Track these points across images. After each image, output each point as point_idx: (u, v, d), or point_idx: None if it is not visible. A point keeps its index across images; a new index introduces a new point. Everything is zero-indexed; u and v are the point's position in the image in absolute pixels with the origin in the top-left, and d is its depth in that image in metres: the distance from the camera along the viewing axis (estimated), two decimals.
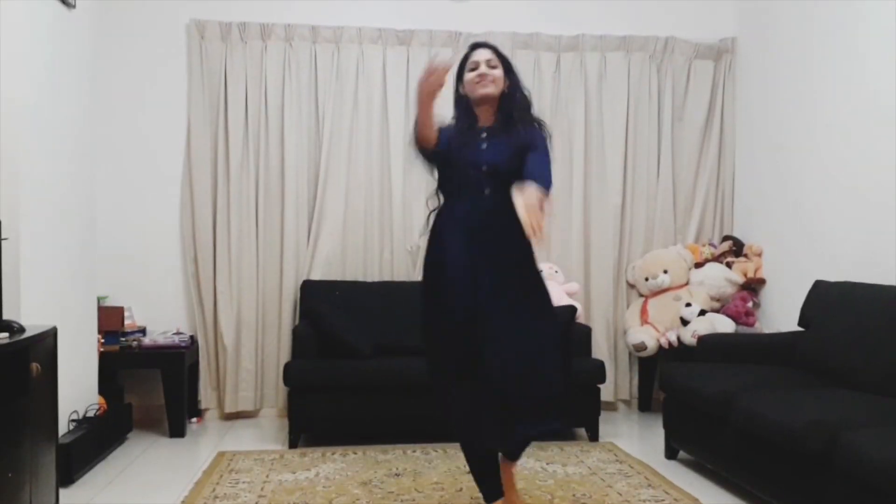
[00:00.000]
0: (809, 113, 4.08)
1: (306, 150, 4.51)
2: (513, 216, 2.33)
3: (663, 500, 3.05)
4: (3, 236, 2.68)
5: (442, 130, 2.60)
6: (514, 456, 2.74)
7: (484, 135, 2.61)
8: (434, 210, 2.69)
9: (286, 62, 4.47)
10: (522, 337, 2.46)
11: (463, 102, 2.66)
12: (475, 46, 2.68)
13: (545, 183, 2.40)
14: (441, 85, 2.45)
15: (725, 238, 4.74)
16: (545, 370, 2.47)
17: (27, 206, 3.02)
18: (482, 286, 2.47)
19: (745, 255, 4.58)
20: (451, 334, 2.49)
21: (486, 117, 2.64)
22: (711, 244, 4.75)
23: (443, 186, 2.66)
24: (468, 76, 2.62)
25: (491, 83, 2.58)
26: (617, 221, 4.72)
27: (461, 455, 3.63)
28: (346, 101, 4.52)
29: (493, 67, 2.60)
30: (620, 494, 3.12)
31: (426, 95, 2.45)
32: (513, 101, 2.63)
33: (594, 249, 4.72)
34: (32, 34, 3.13)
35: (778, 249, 4.38)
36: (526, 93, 2.69)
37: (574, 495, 3.09)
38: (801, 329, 3.64)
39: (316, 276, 4.45)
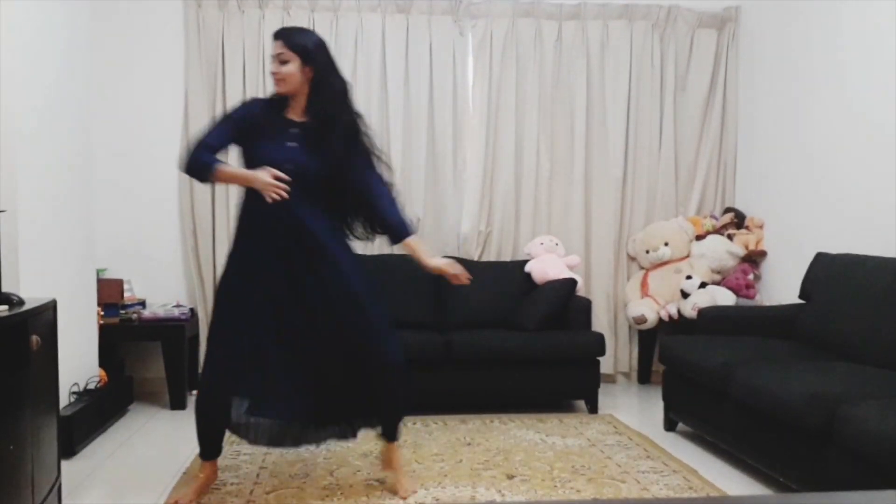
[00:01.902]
0: (813, 83, 4.03)
1: None
2: (315, 219, 2.56)
3: (662, 472, 3.07)
4: (1, 209, 2.66)
5: (245, 103, 2.64)
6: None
7: (294, 130, 2.58)
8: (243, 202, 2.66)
9: None
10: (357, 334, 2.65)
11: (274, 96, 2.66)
12: (273, 36, 2.59)
13: (410, 227, 2.68)
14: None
15: (727, 210, 4.72)
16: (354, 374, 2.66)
17: (25, 179, 2.99)
18: (295, 285, 2.59)
19: (747, 228, 4.56)
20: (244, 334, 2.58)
21: (296, 110, 2.60)
22: (713, 216, 4.73)
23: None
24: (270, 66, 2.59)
25: (280, 81, 2.54)
26: (618, 193, 4.70)
27: (462, 427, 3.66)
28: (344, 71, 4.40)
29: (284, 63, 2.53)
30: (619, 466, 3.14)
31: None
32: (320, 95, 2.56)
33: (595, 222, 4.70)
34: (32, 8, 3.07)
35: (779, 222, 4.36)
36: (337, 82, 2.59)
37: (573, 467, 3.11)
38: (801, 301, 3.63)
39: None
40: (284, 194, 2.45)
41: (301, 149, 2.57)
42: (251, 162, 2.58)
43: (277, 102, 2.63)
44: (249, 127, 2.58)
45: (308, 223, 2.58)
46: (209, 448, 2.76)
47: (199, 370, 3.04)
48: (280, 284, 2.58)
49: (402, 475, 2.85)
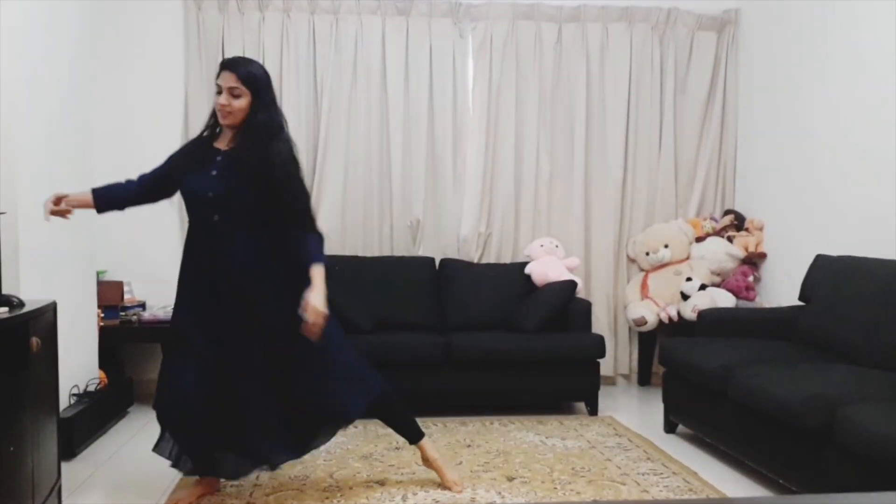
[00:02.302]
0: (812, 85, 4.04)
1: (305, 123, 4.47)
2: (244, 246, 2.53)
3: (662, 474, 3.07)
4: (1, 210, 2.67)
5: (185, 145, 2.71)
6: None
7: (218, 158, 2.58)
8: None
9: (284, 33, 4.42)
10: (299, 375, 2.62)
11: (211, 117, 2.64)
12: (223, 65, 2.55)
13: (323, 259, 2.56)
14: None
15: (727, 212, 4.72)
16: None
17: (25, 181, 3.00)
18: (231, 318, 2.57)
19: (747, 230, 4.56)
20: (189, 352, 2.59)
21: (223, 140, 2.62)
22: (713, 218, 4.73)
23: (188, 212, 2.65)
24: (215, 98, 2.56)
25: (229, 114, 2.53)
26: (618, 195, 4.70)
27: (461, 428, 3.66)
28: (344, 73, 4.47)
29: (237, 97, 2.52)
30: (619, 468, 3.13)
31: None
32: (255, 124, 2.54)
33: (595, 224, 4.70)
34: (32, 9, 3.08)
35: (779, 224, 4.36)
36: (273, 115, 2.58)
37: (573, 468, 3.11)
38: (801, 303, 3.64)
39: None
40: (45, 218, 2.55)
41: (223, 176, 2.54)
42: (183, 195, 2.63)
43: (208, 134, 2.66)
44: (181, 163, 2.64)
45: (232, 253, 2.54)
46: (197, 466, 2.74)
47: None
48: (214, 317, 2.57)
49: (444, 469, 2.86)
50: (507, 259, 4.62)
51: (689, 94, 4.79)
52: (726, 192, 4.82)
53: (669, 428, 3.70)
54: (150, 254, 4.45)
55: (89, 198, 2.70)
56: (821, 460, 2.52)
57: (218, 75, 2.55)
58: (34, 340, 2.35)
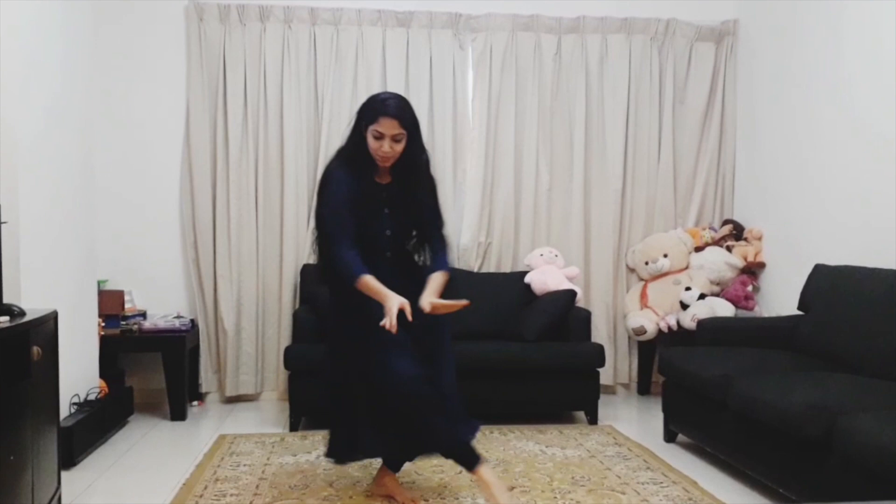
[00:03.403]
0: (810, 95, 4.06)
1: (306, 133, 4.49)
2: (409, 273, 2.65)
3: (662, 483, 3.07)
4: (2, 220, 2.68)
5: (339, 179, 2.59)
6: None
7: (384, 194, 2.63)
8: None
9: (285, 44, 4.44)
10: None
11: (361, 145, 2.59)
12: (384, 111, 2.52)
13: (449, 268, 2.73)
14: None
15: (726, 222, 4.73)
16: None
17: (27, 190, 3.01)
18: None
19: (746, 239, 4.58)
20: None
21: (383, 173, 2.65)
22: (712, 228, 4.74)
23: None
24: (371, 142, 2.55)
25: (390, 159, 2.58)
26: (617, 205, 4.72)
27: None
28: (345, 84, 4.50)
29: (398, 141, 2.55)
30: (619, 477, 3.13)
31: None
32: (411, 164, 2.62)
33: (594, 233, 4.72)
34: (34, 17, 3.11)
35: (778, 233, 4.37)
36: (425, 156, 2.67)
37: (573, 478, 3.11)
38: (800, 313, 3.64)
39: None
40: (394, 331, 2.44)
41: (395, 214, 2.64)
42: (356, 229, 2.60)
43: (360, 168, 2.61)
44: (351, 202, 2.59)
45: (399, 284, 2.58)
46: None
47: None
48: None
49: (493, 492, 2.59)
50: (506, 268, 4.63)
51: (688, 105, 4.81)
52: (725, 201, 4.83)
53: (669, 437, 3.70)
54: (151, 263, 4.47)
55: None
56: (821, 470, 2.52)
57: (374, 120, 2.54)
58: (35, 349, 2.36)
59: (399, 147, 2.56)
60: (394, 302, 2.45)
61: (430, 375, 2.62)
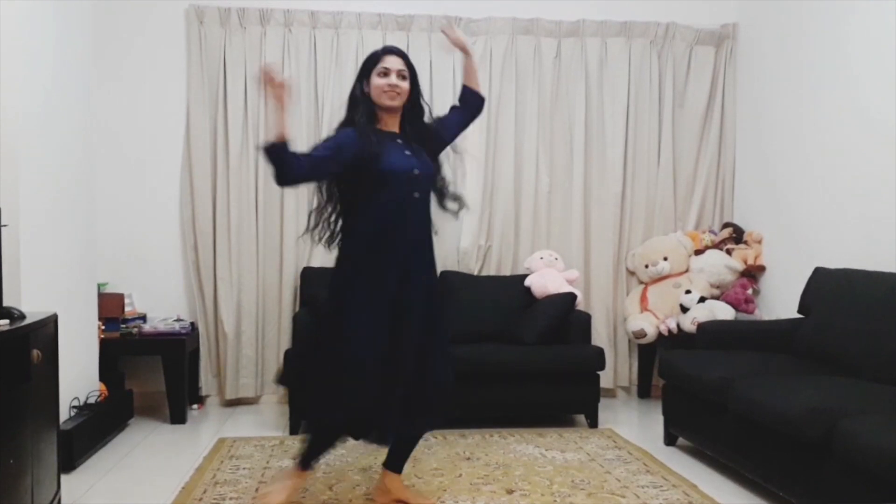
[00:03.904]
0: (809, 99, 4.06)
1: (306, 136, 4.48)
2: (428, 233, 2.64)
3: (662, 486, 3.06)
4: (3, 223, 2.68)
5: (343, 138, 2.54)
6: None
7: (399, 141, 2.63)
8: (343, 222, 2.63)
9: (285, 48, 4.45)
10: (440, 342, 2.66)
11: (363, 103, 2.61)
12: (387, 51, 2.63)
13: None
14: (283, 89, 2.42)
15: (725, 225, 4.74)
16: (446, 371, 2.66)
17: (27, 193, 3.01)
18: (415, 286, 2.58)
19: (745, 243, 4.58)
20: (378, 330, 2.53)
21: (391, 123, 2.65)
22: (711, 231, 4.74)
23: (361, 194, 2.56)
24: (377, 81, 2.58)
25: (398, 95, 2.59)
26: (617, 208, 4.72)
27: (461, 441, 3.66)
28: (345, 88, 4.44)
29: (403, 79, 2.60)
30: (619, 480, 3.13)
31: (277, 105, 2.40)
32: (417, 112, 2.68)
33: (594, 236, 4.72)
34: (33, 19, 3.11)
35: (778, 236, 4.37)
36: (425, 103, 2.72)
37: (573, 481, 3.11)
38: (800, 316, 3.64)
39: (316, 263, 4.45)
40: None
41: (417, 156, 2.62)
42: (377, 175, 2.52)
43: (364, 123, 2.59)
44: (358, 149, 2.52)
45: (425, 225, 2.65)
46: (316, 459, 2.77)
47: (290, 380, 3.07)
48: (398, 297, 2.56)
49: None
50: (506, 271, 4.63)
51: (688, 108, 4.82)
52: (725, 204, 4.84)
53: (669, 440, 3.70)
54: (151, 266, 4.47)
55: (285, 131, 2.41)
56: (821, 473, 2.52)
57: (379, 59, 2.60)
58: (35, 353, 2.36)
59: (405, 84, 2.60)
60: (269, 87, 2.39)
61: (403, 370, 2.55)
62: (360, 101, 2.62)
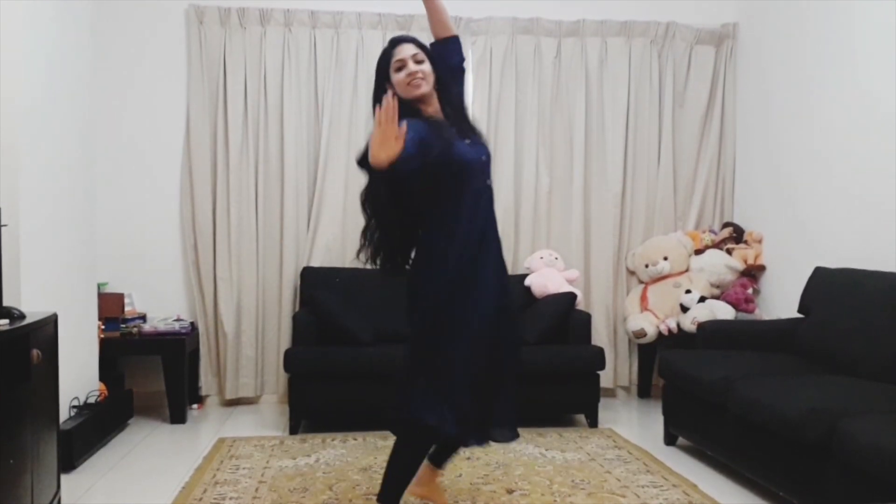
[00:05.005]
0: (810, 99, 4.06)
1: (306, 136, 4.50)
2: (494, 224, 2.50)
3: (662, 486, 3.06)
4: (2, 223, 2.68)
5: (421, 130, 2.32)
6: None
7: (452, 129, 2.46)
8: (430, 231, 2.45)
9: (285, 48, 4.45)
10: (516, 343, 2.58)
11: (402, 106, 2.34)
12: (395, 42, 2.46)
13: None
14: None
15: (726, 225, 4.74)
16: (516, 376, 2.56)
17: (27, 193, 3.01)
18: (499, 283, 2.48)
19: (746, 242, 4.58)
20: (480, 337, 2.41)
21: (432, 112, 2.47)
22: (712, 231, 4.74)
23: (441, 194, 2.41)
24: (398, 77, 2.41)
25: (422, 80, 2.41)
26: (617, 208, 4.72)
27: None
28: (345, 87, 4.50)
29: (420, 62, 2.42)
30: (619, 480, 3.13)
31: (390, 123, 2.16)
32: (452, 95, 2.51)
33: (594, 236, 4.72)
34: (32, 21, 3.11)
35: (778, 236, 4.37)
36: (454, 84, 2.56)
37: (573, 481, 3.11)
38: (800, 316, 3.64)
39: (316, 262, 4.45)
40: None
41: (474, 143, 2.49)
42: (456, 169, 2.39)
43: (408, 114, 2.38)
44: (434, 135, 2.36)
45: (493, 214, 2.51)
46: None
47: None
48: (490, 296, 2.45)
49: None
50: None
51: (688, 108, 4.82)
52: (725, 204, 4.83)
53: (669, 440, 3.70)
54: (151, 266, 4.47)
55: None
56: (821, 473, 2.52)
57: (389, 56, 2.43)
58: (35, 352, 2.36)
59: (426, 66, 2.42)
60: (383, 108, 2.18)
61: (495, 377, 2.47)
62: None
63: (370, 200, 2.44)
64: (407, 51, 2.43)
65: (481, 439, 2.52)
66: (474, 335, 2.39)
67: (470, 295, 2.41)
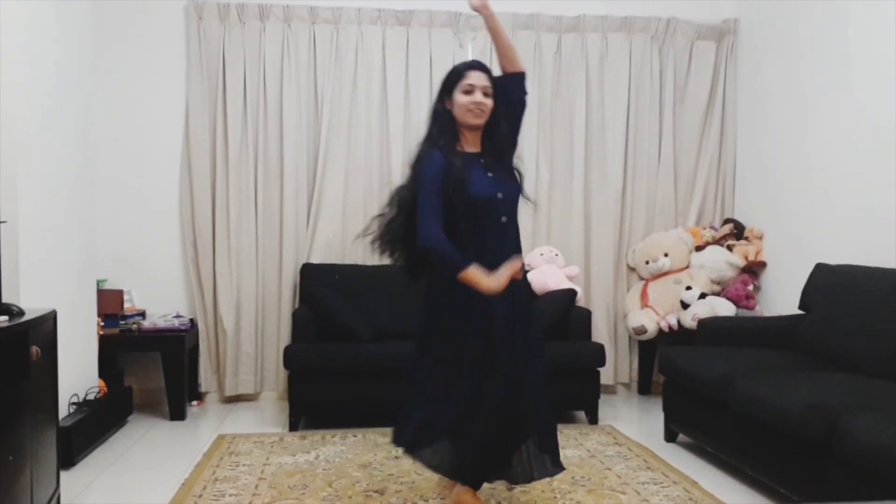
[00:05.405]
0: (811, 94, 4.05)
1: (305, 132, 4.48)
2: (518, 243, 2.56)
3: (662, 483, 3.06)
4: (2, 219, 2.67)
5: (432, 159, 2.45)
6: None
7: (482, 161, 2.53)
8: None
9: (285, 43, 4.43)
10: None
11: (445, 119, 2.53)
12: (471, 66, 2.54)
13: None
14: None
15: (726, 221, 4.73)
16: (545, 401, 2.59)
17: (26, 190, 3.01)
18: (505, 316, 2.50)
19: (746, 238, 4.57)
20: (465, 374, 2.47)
21: (472, 141, 2.56)
22: (712, 227, 4.74)
23: (456, 226, 2.46)
24: (461, 99, 2.48)
25: (482, 113, 2.50)
26: (617, 204, 4.71)
27: None
28: (345, 83, 4.49)
29: (487, 95, 2.50)
30: (619, 477, 3.13)
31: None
32: (499, 130, 2.55)
33: (595, 233, 4.71)
34: (35, 19, 3.10)
35: (779, 232, 4.37)
36: (504, 121, 2.59)
37: (573, 478, 3.10)
38: (801, 312, 3.64)
39: (315, 259, 4.44)
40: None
41: (498, 179, 2.53)
42: (461, 202, 2.44)
43: (451, 141, 2.53)
44: (444, 178, 2.45)
45: (513, 251, 2.54)
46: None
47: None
48: (478, 332, 2.50)
49: None
50: None
51: (689, 104, 4.81)
52: (726, 200, 4.83)
53: (670, 437, 3.70)
54: (151, 263, 4.46)
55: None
56: (822, 469, 2.52)
57: (461, 76, 2.50)
58: (34, 349, 2.36)
59: (490, 102, 2.50)
60: (496, 280, 2.36)
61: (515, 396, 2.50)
62: (443, 118, 2.54)
63: (404, 203, 2.53)
64: (480, 80, 2.51)
65: (506, 475, 2.60)
66: (455, 369, 2.48)
67: (461, 327, 2.49)
